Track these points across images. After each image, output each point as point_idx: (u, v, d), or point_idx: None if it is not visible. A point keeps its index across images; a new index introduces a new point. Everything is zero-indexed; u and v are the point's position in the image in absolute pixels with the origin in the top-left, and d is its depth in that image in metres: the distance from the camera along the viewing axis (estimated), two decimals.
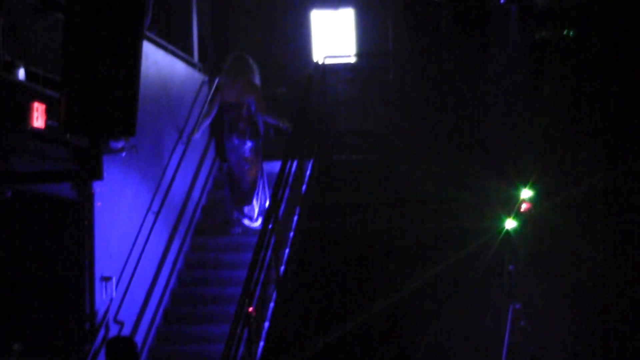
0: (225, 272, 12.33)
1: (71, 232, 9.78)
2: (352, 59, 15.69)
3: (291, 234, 11.98)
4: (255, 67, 12.80)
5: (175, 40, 13.47)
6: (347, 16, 15.98)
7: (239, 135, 12.61)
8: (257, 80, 12.78)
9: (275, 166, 12.30)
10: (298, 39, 14.64)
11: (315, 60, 14.28)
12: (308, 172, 13.02)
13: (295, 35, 14.47)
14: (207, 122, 13.11)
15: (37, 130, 8.51)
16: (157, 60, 12.12)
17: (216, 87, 13.07)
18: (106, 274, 10.31)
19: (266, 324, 10.82)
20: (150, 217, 11.66)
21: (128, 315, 10.85)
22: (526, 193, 11.58)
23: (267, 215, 10.80)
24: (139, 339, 11.13)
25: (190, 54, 13.89)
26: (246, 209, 12.66)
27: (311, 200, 12.55)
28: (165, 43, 12.61)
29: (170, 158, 12.52)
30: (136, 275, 11.05)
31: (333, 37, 15.89)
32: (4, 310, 8.81)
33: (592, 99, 11.73)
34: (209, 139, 14.30)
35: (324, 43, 15.87)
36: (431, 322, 11.69)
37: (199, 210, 13.40)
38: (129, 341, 8.45)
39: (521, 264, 11.43)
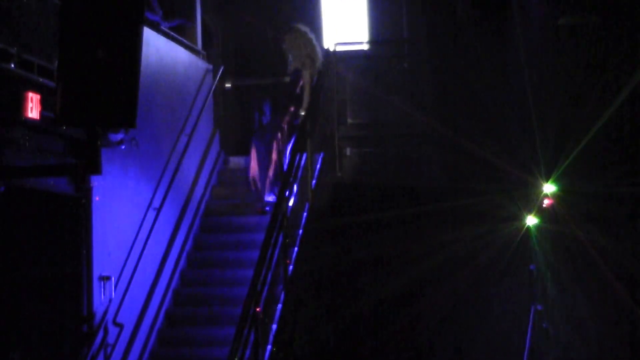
0: (230, 271, 12.18)
1: (68, 229, 9.78)
2: (365, 47, 15.52)
3: (300, 231, 11.77)
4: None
5: (177, 27, 13.29)
6: (359, 1, 15.81)
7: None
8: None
9: None
10: (308, 26, 14.36)
11: (326, 47, 13.96)
12: (318, 166, 12.82)
13: (305, 22, 14.17)
14: None
15: (32, 121, 8.48)
16: (158, 48, 11.99)
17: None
18: (105, 273, 10.21)
19: (274, 327, 10.63)
20: (151, 214, 11.56)
21: (128, 316, 10.76)
22: (549, 188, 11.29)
23: (275, 211, 10.63)
24: (139, 342, 11.02)
25: (194, 41, 13.74)
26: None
27: (321, 196, 12.33)
28: (165, 28, 12.51)
29: (172, 151, 12.38)
30: (136, 274, 10.97)
31: (344, 24, 15.81)
32: None
33: (619, 89, 11.37)
34: (214, 130, 14.08)
35: (335, 30, 15.78)
36: (449, 324, 11.45)
37: (202, 206, 13.24)
38: None
39: (543, 263, 11.10)
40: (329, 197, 12.38)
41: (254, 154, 12.64)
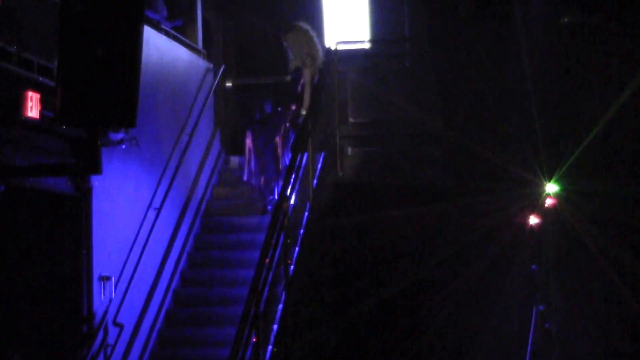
0: (231, 272, 12.14)
1: (68, 229, 9.74)
2: (366, 45, 15.38)
3: (301, 230, 11.69)
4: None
5: (178, 26, 13.24)
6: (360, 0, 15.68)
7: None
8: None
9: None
10: (309, 24, 14.32)
11: (327, 46, 13.91)
12: (319, 165, 12.73)
13: (306, 20, 14.14)
14: None
15: (31, 120, 8.47)
16: (159, 46, 11.93)
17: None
18: (105, 274, 10.19)
19: (275, 327, 10.58)
20: (152, 214, 11.49)
21: (128, 317, 10.72)
22: (551, 188, 11.21)
23: (276, 211, 10.56)
24: (139, 342, 10.98)
25: (195, 39, 13.68)
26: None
27: (322, 196, 12.25)
28: (167, 28, 12.45)
29: (173, 151, 12.32)
30: (137, 274, 10.92)
31: (346, 23, 15.65)
32: None
33: (621, 88, 11.32)
34: (214, 130, 14.04)
35: (336, 28, 15.62)
36: (451, 324, 11.38)
37: (203, 206, 13.18)
38: None
39: (545, 263, 11.04)
40: (330, 197, 12.27)
41: (250, 147, 12.57)
